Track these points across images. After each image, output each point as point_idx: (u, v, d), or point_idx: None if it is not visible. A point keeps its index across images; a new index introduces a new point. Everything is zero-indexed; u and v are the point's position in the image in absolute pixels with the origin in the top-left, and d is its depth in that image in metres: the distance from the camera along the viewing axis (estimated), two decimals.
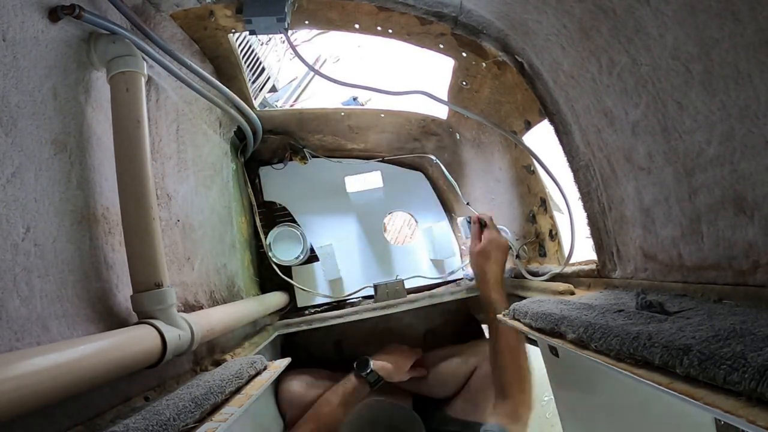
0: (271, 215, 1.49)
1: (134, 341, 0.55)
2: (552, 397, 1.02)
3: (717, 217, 0.53)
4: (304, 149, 1.46)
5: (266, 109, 1.51)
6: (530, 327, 0.73)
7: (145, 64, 0.69)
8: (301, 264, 1.44)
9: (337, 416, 1.14)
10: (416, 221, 1.57)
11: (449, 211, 1.54)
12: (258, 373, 0.73)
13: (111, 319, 0.61)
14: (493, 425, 0.97)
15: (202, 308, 0.88)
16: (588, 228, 0.84)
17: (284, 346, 1.41)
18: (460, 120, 1.26)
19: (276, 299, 1.28)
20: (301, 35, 2.59)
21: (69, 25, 0.60)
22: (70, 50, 0.61)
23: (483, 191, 1.32)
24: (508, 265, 1.23)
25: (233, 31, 0.97)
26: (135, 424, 0.45)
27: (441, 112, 1.32)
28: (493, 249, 1.09)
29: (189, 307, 0.84)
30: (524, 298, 0.90)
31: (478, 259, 1.10)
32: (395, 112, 1.36)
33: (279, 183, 1.51)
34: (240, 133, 1.27)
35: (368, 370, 1.21)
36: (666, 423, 0.57)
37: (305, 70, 2.31)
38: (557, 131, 0.84)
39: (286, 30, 0.85)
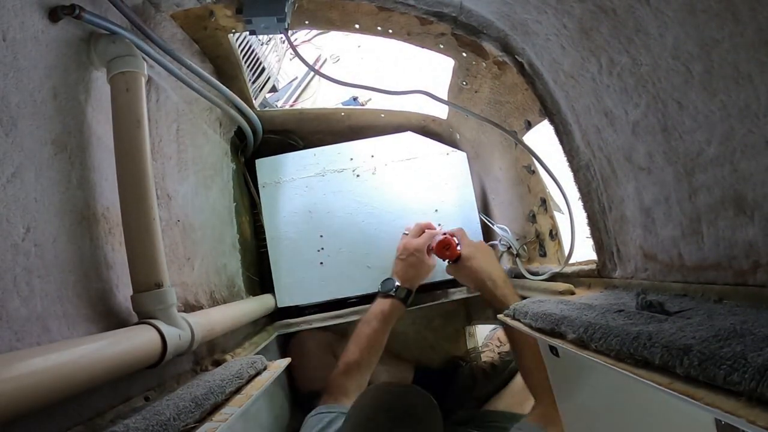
0: None
1: (134, 341, 0.55)
2: None
3: (717, 217, 0.53)
4: (305, 149, 1.46)
5: (266, 109, 1.51)
6: (530, 327, 0.73)
7: (145, 64, 0.69)
8: None
9: (380, 339, 1.09)
10: None
11: None
12: (258, 373, 0.73)
13: (111, 319, 0.61)
14: (525, 424, 0.91)
15: (203, 308, 0.88)
16: (588, 228, 0.84)
17: (284, 346, 1.41)
18: (460, 120, 1.26)
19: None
20: (301, 35, 2.58)
21: (69, 25, 0.60)
22: (70, 50, 0.61)
23: (483, 191, 1.33)
24: (509, 264, 1.23)
25: (233, 31, 0.97)
26: (135, 424, 0.45)
27: (441, 112, 1.33)
28: (483, 249, 1.11)
29: (189, 307, 0.84)
30: (524, 298, 0.90)
31: (473, 263, 1.08)
32: (395, 112, 1.36)
33: None
34: (240, 133, 1.27)
35: (394, 287, 1.12)
36: (666, 423, 0.57)
37: (305, 70, 2.31)
38: (557, 131, 0.84)
39: (286, 30, 0.85)
